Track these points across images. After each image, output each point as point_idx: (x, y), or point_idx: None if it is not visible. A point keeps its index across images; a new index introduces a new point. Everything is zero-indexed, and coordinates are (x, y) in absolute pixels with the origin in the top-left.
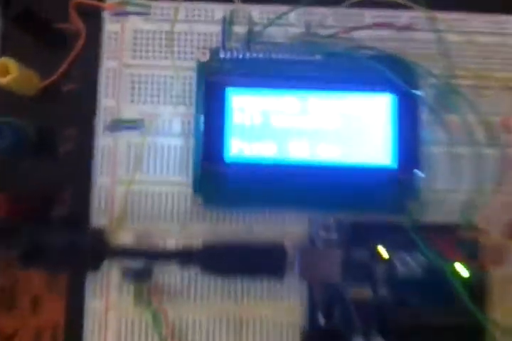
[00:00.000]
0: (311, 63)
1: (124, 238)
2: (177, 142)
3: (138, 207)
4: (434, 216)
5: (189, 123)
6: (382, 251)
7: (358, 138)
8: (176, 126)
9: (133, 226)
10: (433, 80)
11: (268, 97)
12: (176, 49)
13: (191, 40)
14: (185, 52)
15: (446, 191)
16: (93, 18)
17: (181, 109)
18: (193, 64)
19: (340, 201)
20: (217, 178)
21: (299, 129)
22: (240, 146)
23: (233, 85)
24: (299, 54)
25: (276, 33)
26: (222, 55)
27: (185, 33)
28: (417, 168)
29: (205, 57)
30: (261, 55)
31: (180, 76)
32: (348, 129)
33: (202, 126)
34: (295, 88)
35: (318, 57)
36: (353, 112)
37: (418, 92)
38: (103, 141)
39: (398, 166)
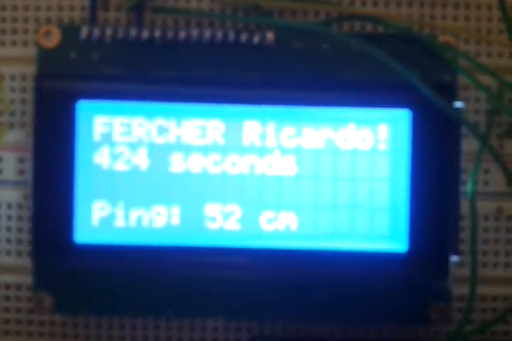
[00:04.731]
0: (256, 53)
1: None
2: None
3: None
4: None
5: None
6: None
7: (340, 199)
8: (8, 176)
9: None
10: (487, 80)
11: (164, 120)
12: None
13: (26, 8)
14: (13, 31)
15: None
16: None
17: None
18: (28, 53)
19: (305, 310)
20: (65, 271)
21: (226, 180)
22: (107, 213)
23: (96, 95)
24: (234, 35)
25: None
26: (84, 35)
27: None
28: (454, 251)
29: (51, 41)
30: (159, 34)
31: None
32: (322, 181)
33: (32, 180)
34: (220, 101)
35: (269, 39)
36: (331, 148)
37: (458, 105)
38: None
39: (413, 249)
